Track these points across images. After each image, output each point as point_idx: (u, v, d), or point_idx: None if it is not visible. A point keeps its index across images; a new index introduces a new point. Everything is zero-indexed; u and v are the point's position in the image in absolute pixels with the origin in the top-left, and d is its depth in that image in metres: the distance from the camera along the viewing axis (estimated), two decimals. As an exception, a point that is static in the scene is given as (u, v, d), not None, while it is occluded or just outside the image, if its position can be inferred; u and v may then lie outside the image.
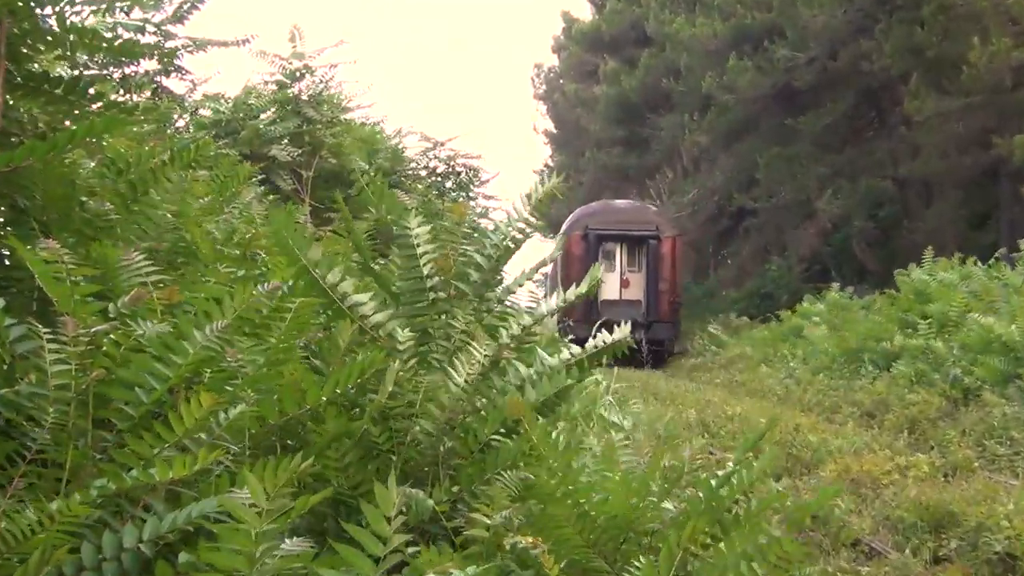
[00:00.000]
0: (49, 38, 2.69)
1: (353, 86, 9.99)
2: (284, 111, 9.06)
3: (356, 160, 8.52)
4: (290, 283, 2.58)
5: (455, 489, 2.63)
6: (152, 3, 3.51)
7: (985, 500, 5.86)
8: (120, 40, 2.99)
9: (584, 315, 18.36)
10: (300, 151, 8.77)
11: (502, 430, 2.79)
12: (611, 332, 3.14)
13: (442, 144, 10.66)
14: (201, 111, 8.93)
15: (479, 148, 23.59)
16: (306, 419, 2.50)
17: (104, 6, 2.92)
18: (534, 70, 44.16)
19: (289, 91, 9.25)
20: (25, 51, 2.66)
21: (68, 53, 2.86)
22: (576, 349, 3.13)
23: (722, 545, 2.50)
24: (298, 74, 9.28)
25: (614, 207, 24.23)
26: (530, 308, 3.19)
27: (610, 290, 21.18)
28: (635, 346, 3.25)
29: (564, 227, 22.07)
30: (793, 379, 13.93)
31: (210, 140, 3.39)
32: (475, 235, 3.23)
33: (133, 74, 5.02)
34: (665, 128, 32.46)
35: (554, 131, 43.47)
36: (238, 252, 3.56)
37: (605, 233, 21.61)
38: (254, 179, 5.81)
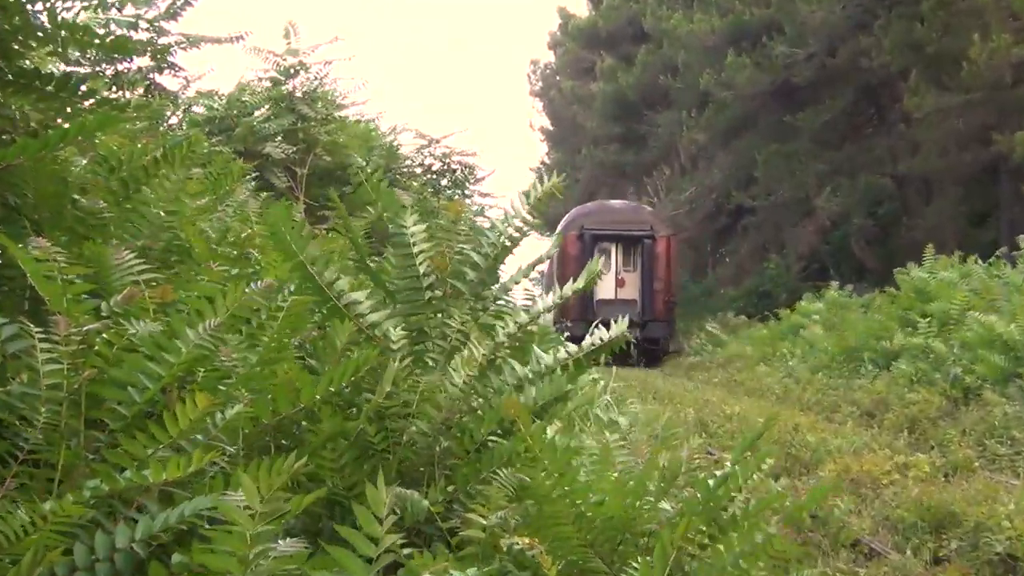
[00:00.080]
0: (40, 34, 2.67)
1: (348, 83, 9.91)
2: (278, 108, 8.97)
3: (355, 157, 8.47)
4: (291, 284, 2.57)
5: (451, 489, 2.62)
6: (145, -1, 3.48)
7: (986, 500, 5.83)
8: (112, 36, 2.97)
9: (580, 314, 18.43)
10: (294, 148, 8.70)
11: (498, 430, 2.77)
12: (607, 330, 3.13)
13: (437, 141, 10.60)
14: (194, 108, 8.86)
15: (476, 146, 23.63)
16: (301, 418, 2.48)
17: (96, 2, 2.89)
18: (530, 67, 44.02)
19: (283, 88, 9.16)
20: (16, 47, 2.64)
21: (60, 49, 2.85)
22: (572, 347, 3.11)
23: (720, 545, 2.48)
24: (292, 71, 9.21)
25: (609, 207, 24.36)
26: (526, 306, 3.17)
27: (606, 289, 21.27)
28: (629, 344, 3.24)
29: (560, 227, 22.18)
30: (792, 378, 13.87)
31: (202, 136, 3.37)
32: (472, 233, 3.21)
33: (126, 71, 4.98)
34: (662, 125, 32.38)
35: (550, 128, 43.24)
36: (232, 251, 3.53)
37: (601, 233, 21.71)
38: (248, 177, 5.77)
